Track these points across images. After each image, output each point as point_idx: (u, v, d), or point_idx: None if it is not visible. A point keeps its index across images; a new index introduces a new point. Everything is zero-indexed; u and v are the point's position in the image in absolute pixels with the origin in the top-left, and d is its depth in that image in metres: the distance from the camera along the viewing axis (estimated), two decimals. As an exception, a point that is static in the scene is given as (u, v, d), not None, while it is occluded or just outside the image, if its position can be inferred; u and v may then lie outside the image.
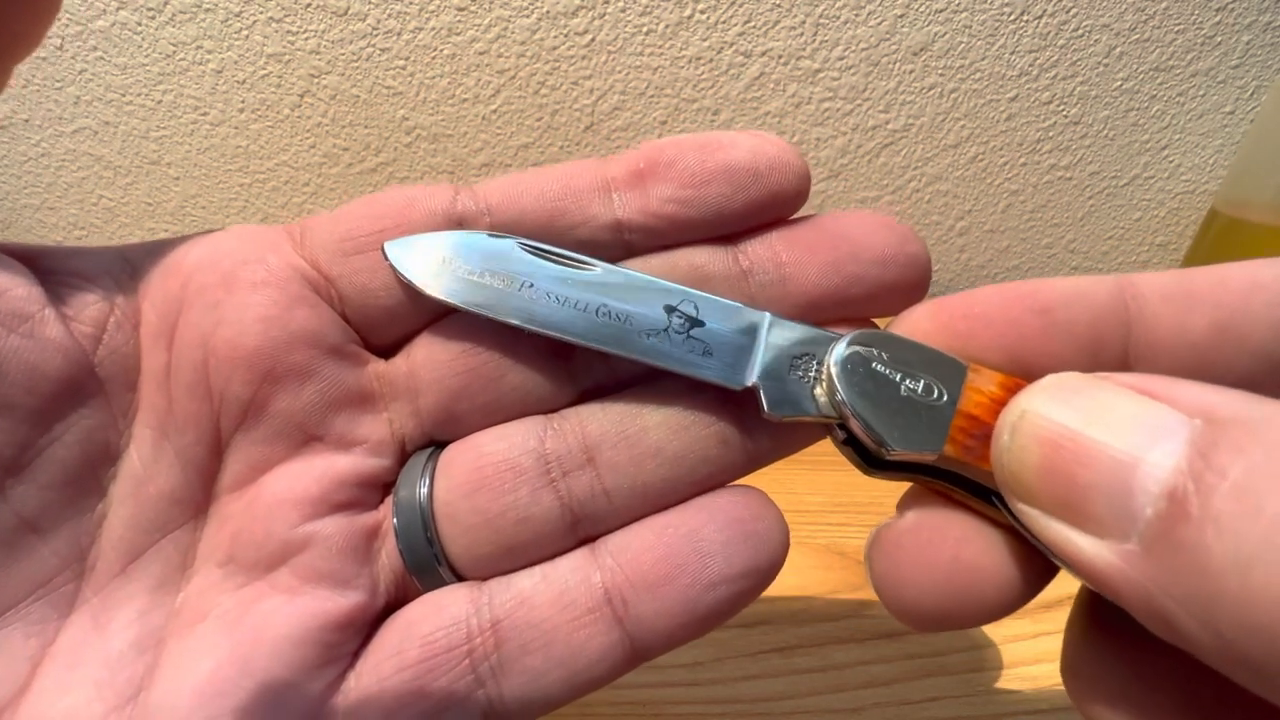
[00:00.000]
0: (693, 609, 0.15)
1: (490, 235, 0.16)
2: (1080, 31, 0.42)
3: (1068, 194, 0.47)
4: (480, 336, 0.16)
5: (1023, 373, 0.13)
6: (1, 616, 0.14)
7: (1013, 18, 0.41)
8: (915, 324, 0.15)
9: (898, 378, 0.14)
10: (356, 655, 0.16)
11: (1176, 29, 0.42)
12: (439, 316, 0.17)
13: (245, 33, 0.41)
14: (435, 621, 0.16)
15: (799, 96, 0.44)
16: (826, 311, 0.16)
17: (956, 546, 0.14)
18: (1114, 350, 0.13)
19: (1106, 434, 0.10)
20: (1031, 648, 0.26)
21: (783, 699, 0.24)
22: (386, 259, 0.16)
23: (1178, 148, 0.46)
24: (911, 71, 0.43)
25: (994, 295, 0.14)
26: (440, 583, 0.16)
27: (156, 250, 0.17)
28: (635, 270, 0.16)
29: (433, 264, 0.16)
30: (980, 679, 0.25)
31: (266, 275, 0.16)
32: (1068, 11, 0.41)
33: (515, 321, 0.16)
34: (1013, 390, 0.13)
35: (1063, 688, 0.13)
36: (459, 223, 0.16)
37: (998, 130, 0.45)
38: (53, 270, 0.15)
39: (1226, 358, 0.13)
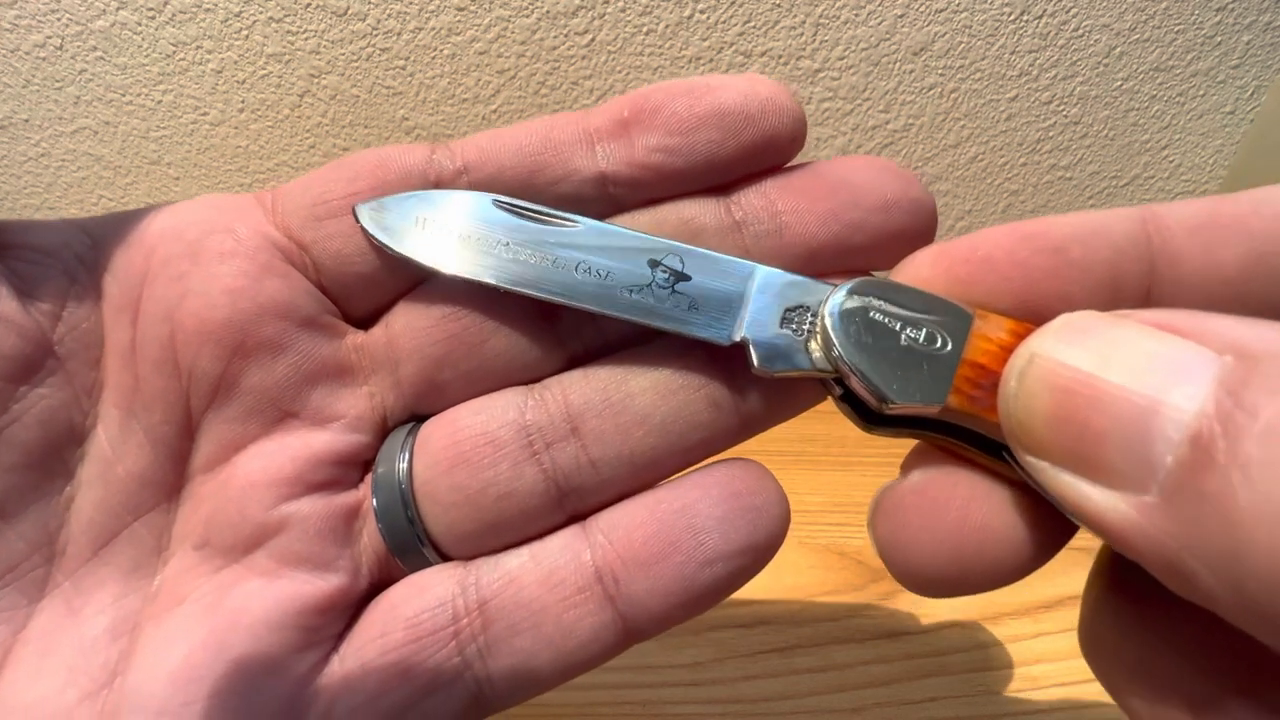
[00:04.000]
0: (688, 587, 0.15)
1: (465, 193, 0.15)
2: (1080, 31, 0.42)
3: (1068, 194, 0.47)
4: (461, 301, 0.16)
5: (1034, 319, 0.12)
6: None
7: (1013, 18, 0.41)
8: (916, 271, 0.14)
9: (897, 327, 0.13)
10: (340, 638, 0.15)
11: (1176, 29, 0.42)
12: (418, 282, 0.16)
13: (245, 33, 0.41)
14: (420, 603, 0.15)
15: (799, 96, 0.44)
16: (827, 262, 0.15)
17: (965, 506, 0.13)
18: (1135, 290, 0.12)
19: (1123, 375, 0.09)
20: (1031, 648, 0.26)
21: (783, 699, 0.24)
22: (358, 221, 0.15)
23: (1178, 148, 0.46)
24: (911, 71, 0.43)
25: (1000, 236, 0.13)
26: (425, 563, 0.16)
27: (119, 222, 0.16)
28: (620, 226, 0.15)
29: (406, 225, 0.15)
30: (980, 679, 0.25)
31: (234, 245, 0.15)
32: (1068, 11, 0.41)
33: (491, 281, 0.15)
34: (1023, 336, 0.12)
35: (1064, 688, 0.13)
36: (435, 182, 0.16)
37: (998, 130, 0.45)
38: (7, 245, 0.15)
39: (1262, 292, 0.12)
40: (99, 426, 0.15)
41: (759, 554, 0.15)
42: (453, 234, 0.15)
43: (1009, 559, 0.12)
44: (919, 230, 0.15)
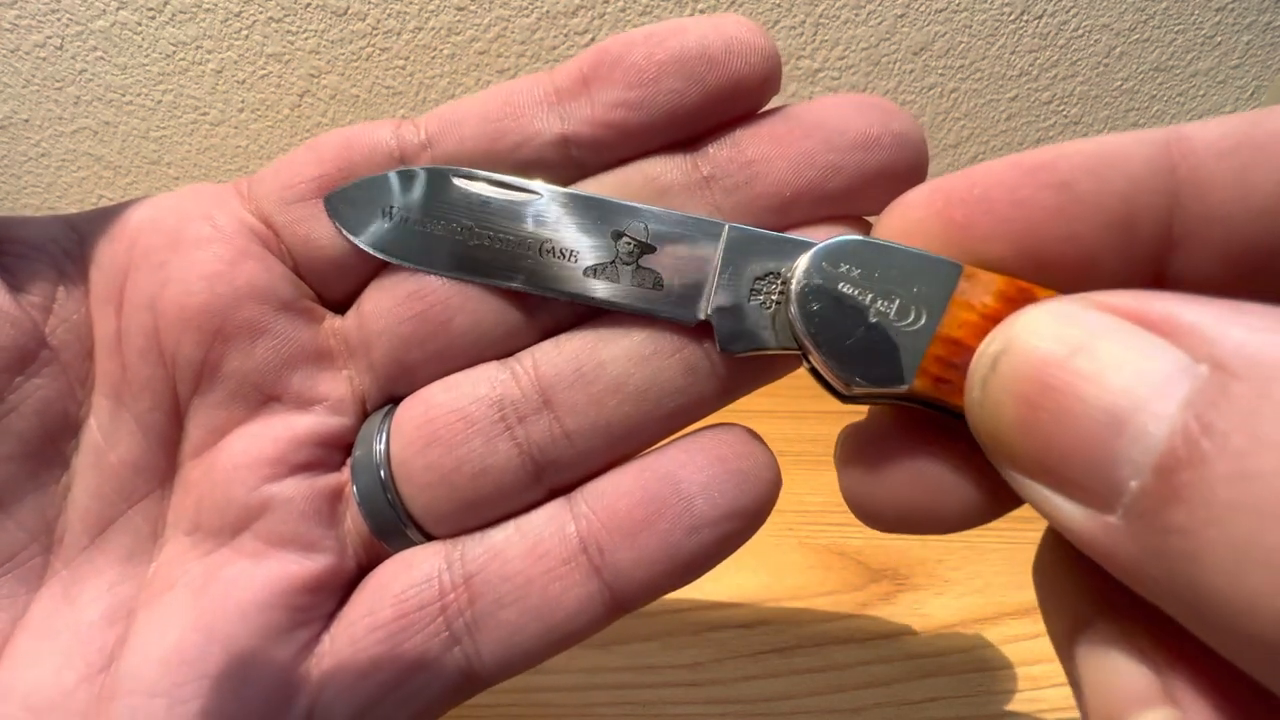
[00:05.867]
0: (674, 555, 0.14)
1: (427, 170, 0.15)
2: (1080, 31, 0.42)
3: (1068, 194, 0.47)
4: (426, 279, 0.15)
5: (1036, 268, 0.11)
6: None
7: (1013, 18, 0.41)
8: (906, 213, 0.12)
9: (867, 299, 0.12)
10: (331, 618, 0.15)
11: (1176, 29, 0.42)
12: (387, 264, 0.16)
13: (245, 33, 0.41)
14: (407, 579, 0.15)
15: (799, 96, 0.44)
16: (804, 212, 0.14)
17: (925, 455, 0.12)
18: (1153, 228, 0.11)
19: (1090, 386, 0.09)
20: (1031, 648, 0.26)
21: (783, 699, 0.24)
22: (328, 214, 0.15)
23: (1178, 148, 0.46)
24: (911, 71, 0.43)
25: (1001, 171, 0.11)
26: (408, 544, 0.16)
27: (103, 216, 0.16)
28: (581, 190, 0.15)
29: (373, 215, 0.15)
30: (980, 679, 0.25)
31: (212, 231, 0.15)
32: (1068, 11, 0.41)
33: (455, 273, 0.15)
34: (1013, 299, 0.11)
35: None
36: (400, 159, 0.15)
37: (998, 130, 0.45)
38: None
39: None
40: (92, 416, 0.15)
41: (748, 519, 0.15)
42: (417, 222, 0.15)
43: (957, 509, 0.12)
44: (907, 167, 0.14)
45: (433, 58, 0.42)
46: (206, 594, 0.15)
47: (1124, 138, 0.11)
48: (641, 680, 0.24)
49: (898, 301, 0.12)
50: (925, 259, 0.12)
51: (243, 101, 0.43)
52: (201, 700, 0.14)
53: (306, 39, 0.41)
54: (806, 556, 0.28)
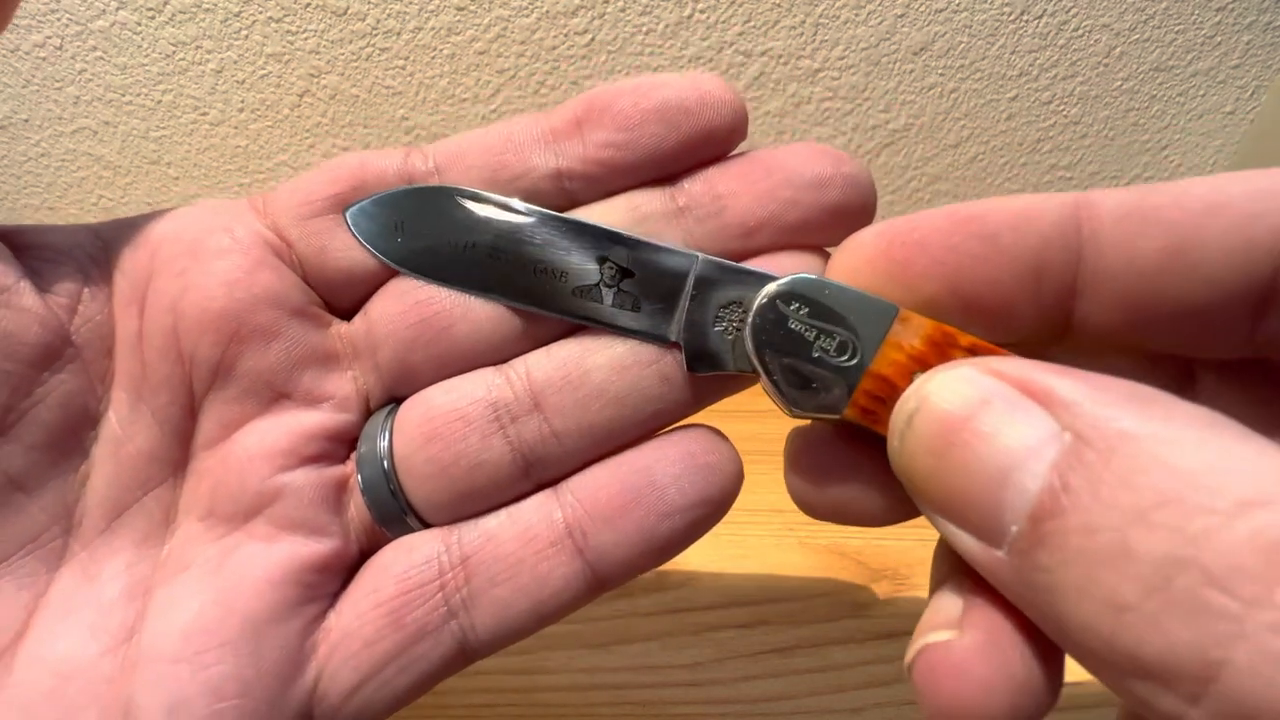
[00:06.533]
0: (649, 538, 0.16)
1: (433, 186, 0.17)
2: (1080, 31, 0.42)
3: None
4: (431, 290, 0.17)
5: (962, 305, 0.13)
6: None
7: (1013, 18, 0.41)
8: (858, 248, 0.14)
9: (811, 336, 0.14)
10: (336, 597, 0.17)
11: (1176, 29, 0.42)
12: (393, 274, 0.18)
13: (245, 33, 0.41)
14: (409, 560, 0.17)
15: (799, 96, 0.44)
16: (766, 240, 0.16)
17: (851, 456, 0.15)
18: (1059, 280, 0.13)
19: (983, 445, 0.11)
20: (1031, 648, 0.26)
21: (783, 699, 0.24)
22: (348, 226, 0.17)
23: (1178, 148, 0.46)
24: (911, 71, 0.43)
25: (938, 218, 0.13)
26: (408, 531, 0.17)
27: (127, 225, 0.17)
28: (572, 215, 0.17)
29: (388, 230, 0.17)
30: (980, 679, 0.25)
31: (231, 242, 0.17)
32: (1068, 11, 0.41)
33: (459, 289, 0.17)
34: (938, 343, 0.13)
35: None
36: (409, 182, 0.17)
37: (998, 130, 0.45)
38: (28, 246, 0.16)
39: (1177, 286, 0.12)
40: (111, 409, 0.17)
41: (714, 507, 0.16)
42: (427, 240, 0.17)
43: (879, 506, 0.14)
44: (857, 206, 0.16)
45: (433, 58, 0.42)
46: (223, 571, 0.16)
47: (1041, 198, 0.13)
48: (641, 680, 0.24)
49: (837, 339, 0.14)
50: (866, 300, 0.14)
51: (243, 101, 0.43)
52: (222, 666, 0.15)
53: (306, 39, 0.41)
54: (806, 556, 0.28)
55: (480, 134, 0.17)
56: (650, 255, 0.16)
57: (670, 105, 0.16)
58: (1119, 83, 0.43)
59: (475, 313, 0.17)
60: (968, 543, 0.11)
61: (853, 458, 0.15)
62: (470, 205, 0.17)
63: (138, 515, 0.17)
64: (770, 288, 0.15)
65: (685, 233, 0.17)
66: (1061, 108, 0.44)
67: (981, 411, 0.11)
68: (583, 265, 0.16)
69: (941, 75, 0.43)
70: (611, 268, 0.16)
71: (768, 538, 0.29)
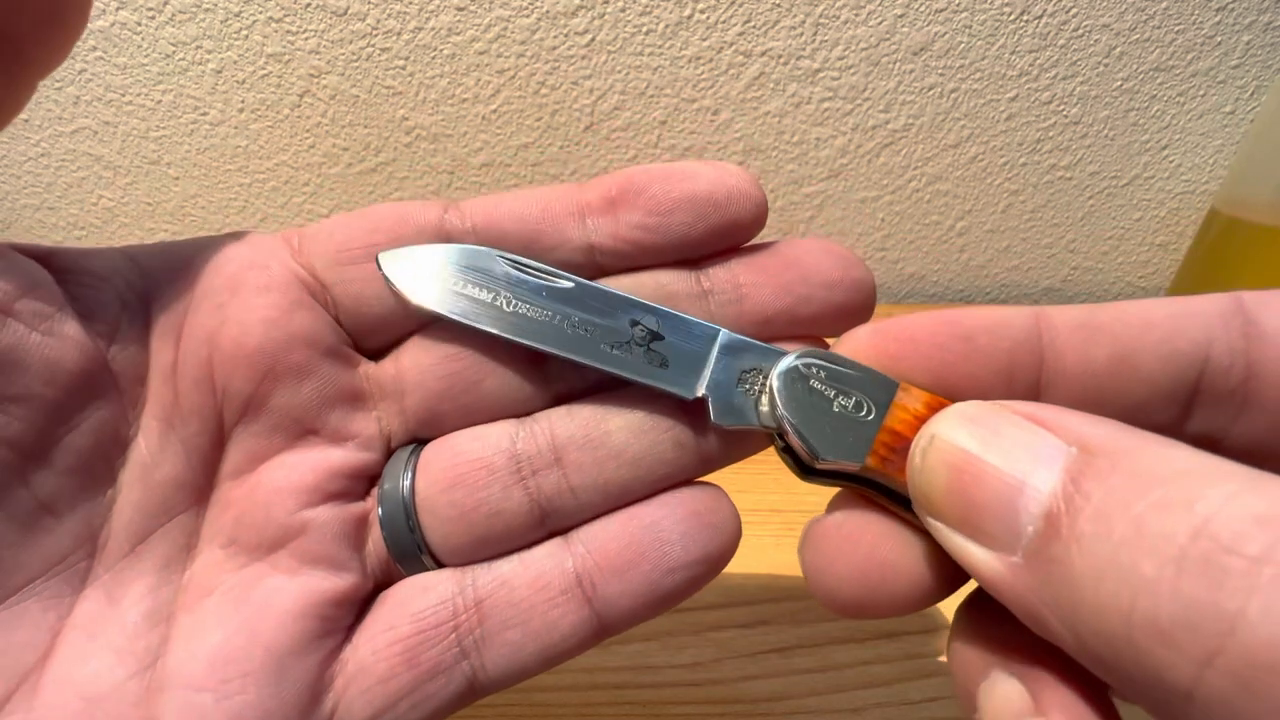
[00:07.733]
0: (654, 590, 0.17)
1: (475, 248, 0.18)
2: (1080, 31, 0.42)
3: (1068, 194, 0.47)
4: (462, 343, 0.18)
5: (947, 393, 0.15)
6: (20, 590, 0.16)
7: (1013, 18, 0.41)
8: (856, 343, 0.16)
9: (831, 394, 0.15)
10: (351, 629, 0.17)
11: (1176, 29, 0.42)
12: (425, 324, 0.18)
13: (245, 33, 0.41)
14: (425, 600, 0.17)
15: (799, 96, 0.44)
16: (779, 329, 0.18)
17: (875, 543, 0.15)
18: (1028, 376, 0.15)
19: (999, 459, 0.12)
20: (1031, 648, 0.26)
21: (783, 699, 0.24)
22: (380, 269, 0.17)
23: (1178, 148, 0.46)
24: (911, 71, 0.43)
25: (924, 320, 0.15)
26: (421, 569, 0.18)
27: (164, 253, 0.18)
28: (606, 287, 0.18)
29: (422, 276, 0.17)
30: (980, 679, 0.25)
31: (269, 280, 0.17)
32: (1068, 11, 0.41)
33: (493, 330, 0.17)
34: (936, 409, 0.14)
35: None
36: (446, 238, 0.18)
37: (998, 130, 0.45)
38: (66, 270, 0.16)
39: (1122, 386, 0.14)
40: (140, 436, 0.17)
41: (714, 563, 0.17)
42: (462, 285, 0.17)
43: (908, 592, 0.15)
44: (860, 306, 0.18)
45: (433, 58, 0.42)
46: (249, 602, 0.16)
47: (1010, 309, 0.15)
48: (641, 680, 0.24)
49: (854, 398, 0.15)
50: (871, 373, 0.15)
51: (243, 101, 0.43)
52: (245, 696, 0.15)
53: (306, 39, 0.41)
54: (806, 556, 0.28)
55: (514, 199, 0.18)
56: (678, 324, 0.17)
57: (700, 198, 0.17)
58: (1119, 83, 0.43)
59: (505, 367, 0.18)
60: (980, 557, 0.12)
61: (873, 536, 0.15)
62: (509, 268, 0.17)
63: (161, 540, 0.17)
64: (793, 353, 0.16)
65: (708, 314, 0.18)
66: (1061, 108, 0.44)
67: (997, 432, 0.12)
68: (616, 324, 0.17)
69: (941, 75, 0.43)
70: (643, 330, 0.17)
71: (768, 538, 0.29)
